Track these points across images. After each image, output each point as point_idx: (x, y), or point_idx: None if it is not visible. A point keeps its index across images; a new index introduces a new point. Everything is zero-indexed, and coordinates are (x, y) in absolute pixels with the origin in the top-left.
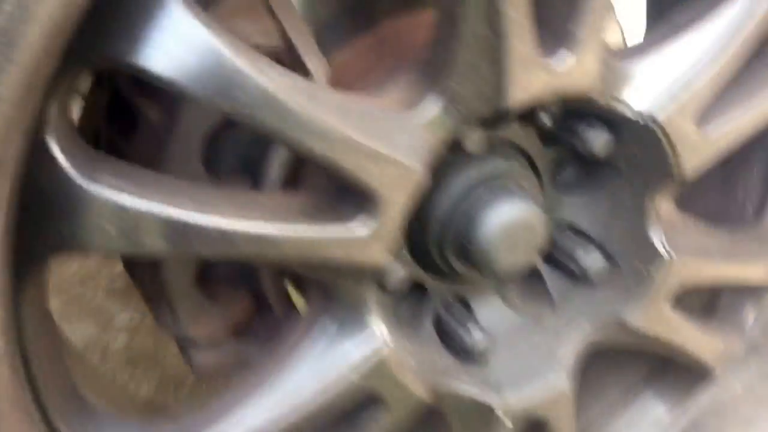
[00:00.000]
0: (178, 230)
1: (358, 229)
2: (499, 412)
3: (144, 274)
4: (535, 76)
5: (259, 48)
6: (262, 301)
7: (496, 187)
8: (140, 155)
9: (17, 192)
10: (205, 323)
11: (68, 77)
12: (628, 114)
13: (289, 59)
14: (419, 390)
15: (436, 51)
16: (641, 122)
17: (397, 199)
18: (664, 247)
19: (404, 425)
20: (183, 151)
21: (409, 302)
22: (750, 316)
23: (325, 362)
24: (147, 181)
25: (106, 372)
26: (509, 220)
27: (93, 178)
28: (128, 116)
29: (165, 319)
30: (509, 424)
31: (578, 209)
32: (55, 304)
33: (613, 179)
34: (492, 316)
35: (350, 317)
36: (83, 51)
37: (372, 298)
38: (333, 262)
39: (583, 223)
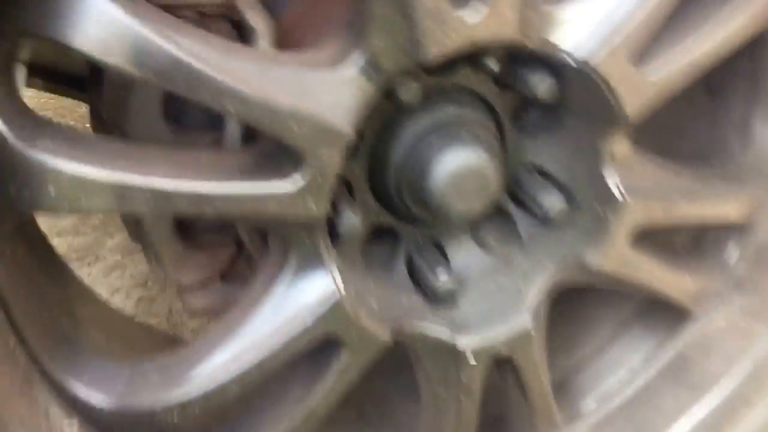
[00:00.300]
0: (114, 191)
1: (286, 185)
2: (463, 351)
3: (131, 226)
4: (448, 28)
5: (203, 7)
6: (245, 247)
7: (445, 135)
8: (106, 113)
9: None
10: (191, 269)
11: None
12: (563, 59)
13: (234, 17)
14: (379, 331)
15: (356, 5)
16: (576, 66)
17: (321, 155)
18: (618, 189)
19: (367, 364)
20: (143, 108)
21: (381, 245)
22: (734, 253)
23: (283, 305)
24: (86, 144)
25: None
26: (456, 168)
27: (33, 144)
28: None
29: (155, 267)
30: (473, 361)
31: (542, 151)
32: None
33: (571, 121)
34: (464, 258)
35: (305, 262)
36: (3, 25)
37: (324, 244)
38: (267, 216)
39: (547, 164)
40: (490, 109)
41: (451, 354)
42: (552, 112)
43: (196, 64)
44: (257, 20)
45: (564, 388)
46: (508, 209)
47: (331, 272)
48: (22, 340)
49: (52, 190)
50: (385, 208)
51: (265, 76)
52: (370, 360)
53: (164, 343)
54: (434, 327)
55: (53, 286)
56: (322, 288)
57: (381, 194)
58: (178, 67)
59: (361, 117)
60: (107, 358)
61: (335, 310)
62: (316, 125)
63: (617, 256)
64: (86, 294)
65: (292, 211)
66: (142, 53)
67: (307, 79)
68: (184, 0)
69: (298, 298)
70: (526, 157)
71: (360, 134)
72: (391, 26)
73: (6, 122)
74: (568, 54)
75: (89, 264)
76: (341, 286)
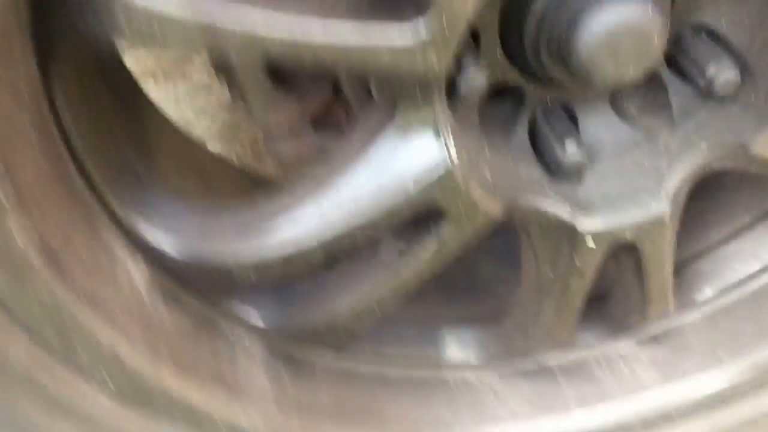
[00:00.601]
0: (193, 25)
1: (405, 33)
2: (583, 234)
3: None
4: None
5: None
6: (342, 91)
7: None
8: None
9: None
10: (279, 112)
11: None
12: None
13: None
14: (491, 205)
15: None
16: None
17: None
18: None
19: (472, 238)
20: None
21: (502, 106)
22: None
23: (383, 167)
24: None
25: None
26: (614, 24)
27: None
28: None
29: (240, 105)
30: (592, 245)
31: (719, 8)
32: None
33: None
34: (598, 128)
35: (414, 121)
36: None
37: (439, 102)
38: (378, 69)
39: (722, 26)
40: None
41: (568, 234)
42: None
43: None
44: None
45: (681, 272)
46: (661, 75)
47: (443, 135)
48: (83, 173)
49: (124, 19)
50: (513, 63)
51: None
52: (475, 235)
53: (243, 183)
54: (553, 204)
55: (123, 114)
56: (430, 152)
57: (512, 47)
58: None
59: None
60: (180, 200)
61: (443, 179)
62: None
63: None
64: (161, 122)
65: (409, 64)
66: None
67: None
68: None
69: (402, 161)
70: (696, 15)
71: None
72: None
73: None
74: None
75: (174, 84)
76: (453, 151)
